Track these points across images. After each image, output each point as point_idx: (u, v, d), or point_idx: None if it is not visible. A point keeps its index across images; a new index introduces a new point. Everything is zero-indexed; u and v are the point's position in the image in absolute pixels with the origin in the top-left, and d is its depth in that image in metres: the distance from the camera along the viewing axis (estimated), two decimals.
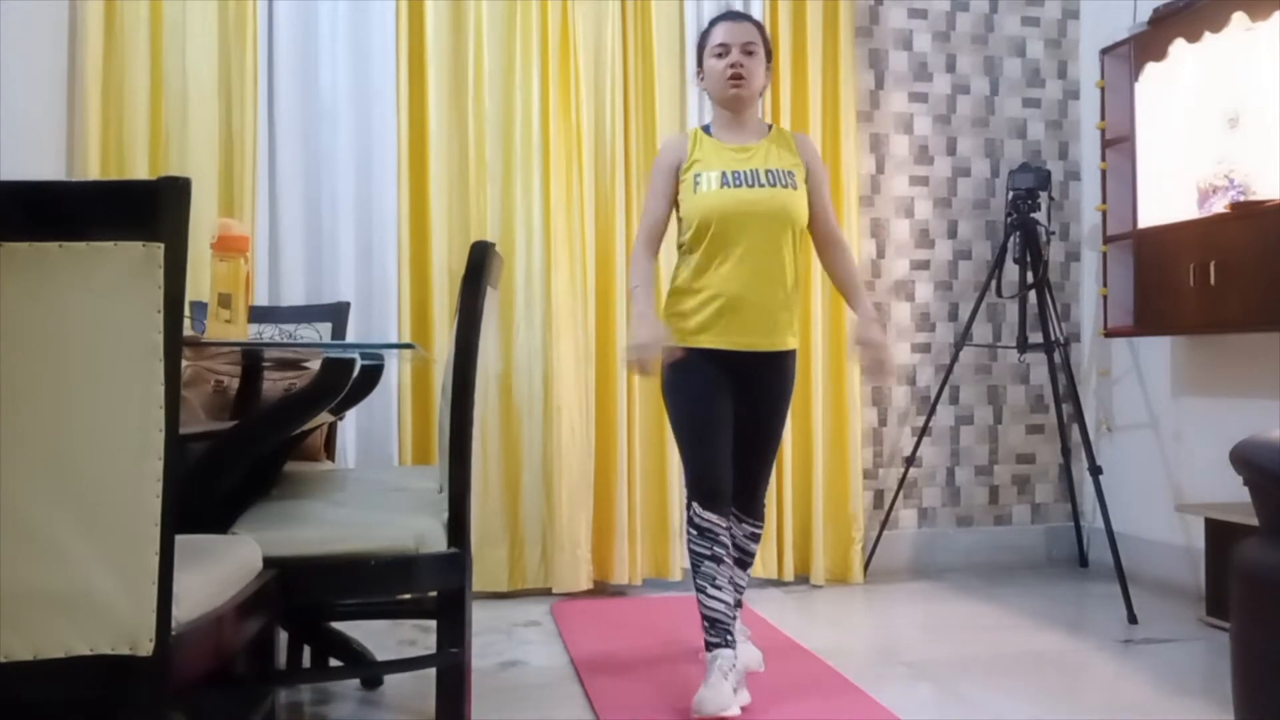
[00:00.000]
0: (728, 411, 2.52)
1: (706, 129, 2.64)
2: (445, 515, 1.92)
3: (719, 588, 2.43)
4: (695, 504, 2.48)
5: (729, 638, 2.42)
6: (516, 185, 3.65)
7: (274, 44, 3.51)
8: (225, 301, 1.92)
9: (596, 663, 2.81)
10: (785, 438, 3.81)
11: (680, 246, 2.60)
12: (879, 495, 4.03)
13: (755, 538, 2.69)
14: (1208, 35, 3.23)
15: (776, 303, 2.52)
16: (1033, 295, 3.78)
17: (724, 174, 2.52)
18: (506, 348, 3.64)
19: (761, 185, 2.51)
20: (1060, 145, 4.24)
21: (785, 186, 2.52)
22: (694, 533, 2.47)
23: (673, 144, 2.64)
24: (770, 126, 2.66)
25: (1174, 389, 3.76)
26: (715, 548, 2.45)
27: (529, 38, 3.65)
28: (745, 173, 2.52)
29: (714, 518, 2.45)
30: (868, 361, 2.52)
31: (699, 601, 2.46)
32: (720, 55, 2.55)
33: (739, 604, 2.60)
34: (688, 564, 3.66)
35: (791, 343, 2.60)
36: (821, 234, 2.63)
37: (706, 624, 2.44)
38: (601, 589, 3.65)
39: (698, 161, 2.56)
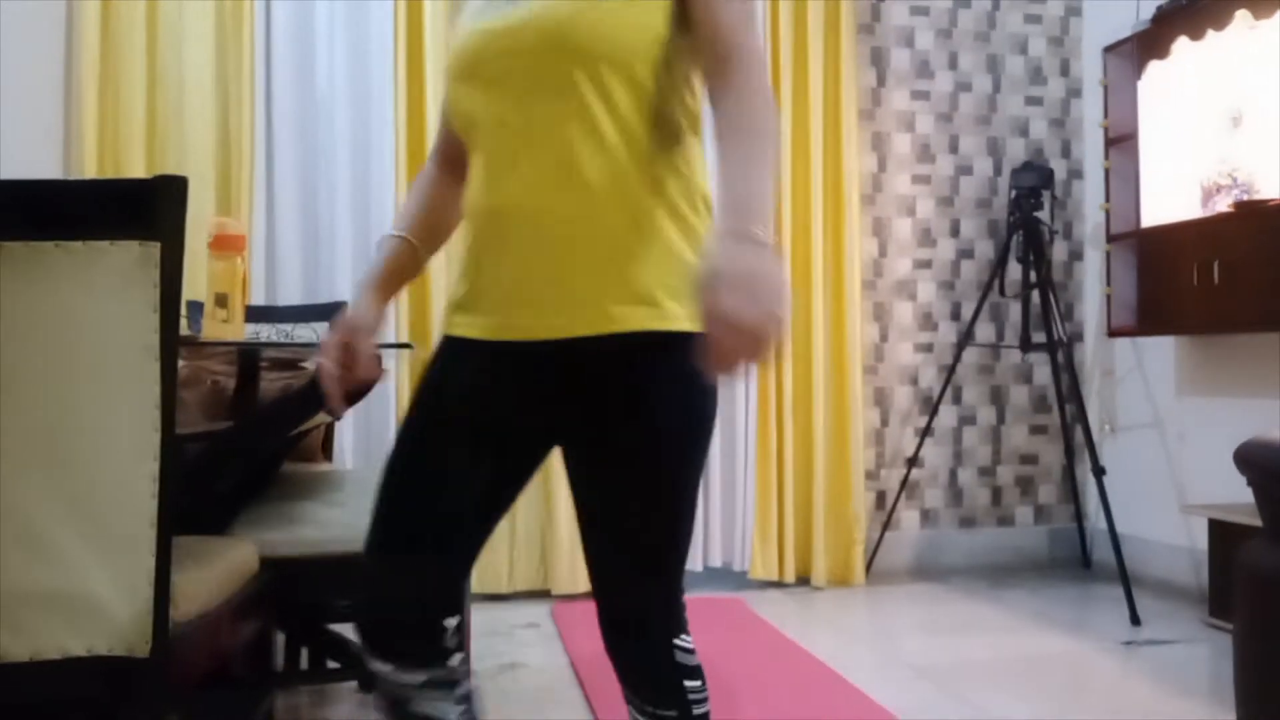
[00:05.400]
0: (474, 476, 1.31)
1: None
2: None
3: None
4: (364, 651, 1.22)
5: None
6: None
7: (271, 43, 3.50)
8: (222, 301, 1.91)
9: (596, 664, 2.80)
10: (786, 438, 3.81)
11: None
12: (881, 496, 4.01)
13: None
14: (1211, 33, 3.22)
15: (565, 226, 1.15)
16: (1036, 295, 3.77)
17: (475, 9, 1.26)
18: None
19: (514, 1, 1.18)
20: (1063, 143, 4.22)
21: None
22: None
23: None
24: None
25: (1178, 389, 3.75)
26: None
27: None
28: None
29: (384, 668, 1.21)
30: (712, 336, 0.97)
31: None
32: None
33: None
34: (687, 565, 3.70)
35: (634, 319, 1.14)
36: (708, 65, 1.16)
37: None
38: None
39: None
